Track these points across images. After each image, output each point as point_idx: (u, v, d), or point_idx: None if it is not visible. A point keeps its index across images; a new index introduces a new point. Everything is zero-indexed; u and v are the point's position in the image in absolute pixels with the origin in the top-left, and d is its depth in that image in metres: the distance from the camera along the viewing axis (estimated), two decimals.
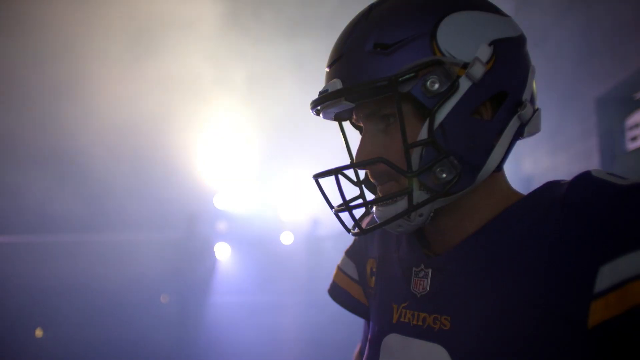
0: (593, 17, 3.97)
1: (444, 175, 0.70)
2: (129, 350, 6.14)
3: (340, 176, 0.79)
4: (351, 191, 0.85)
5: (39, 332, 5.61)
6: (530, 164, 5.86)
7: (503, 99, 0.72)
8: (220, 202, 7.76)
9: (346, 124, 0.87)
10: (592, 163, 3.97)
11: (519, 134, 0.75)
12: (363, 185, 0.84)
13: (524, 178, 6.07)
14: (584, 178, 0.68)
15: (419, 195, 0.72)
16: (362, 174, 0.85)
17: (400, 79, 0.68)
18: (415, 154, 0.71)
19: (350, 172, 0.83)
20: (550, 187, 0.72)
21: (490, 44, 0.71)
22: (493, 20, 0.74)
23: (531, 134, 0.77)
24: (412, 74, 0.68)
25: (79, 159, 6.42)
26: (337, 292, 1.03)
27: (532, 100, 0.76)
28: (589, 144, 4.07)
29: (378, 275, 0.91)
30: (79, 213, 6.63)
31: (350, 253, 1.03)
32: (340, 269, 1.04)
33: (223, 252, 7.76)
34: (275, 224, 8.08)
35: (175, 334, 6.71)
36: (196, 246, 6.87)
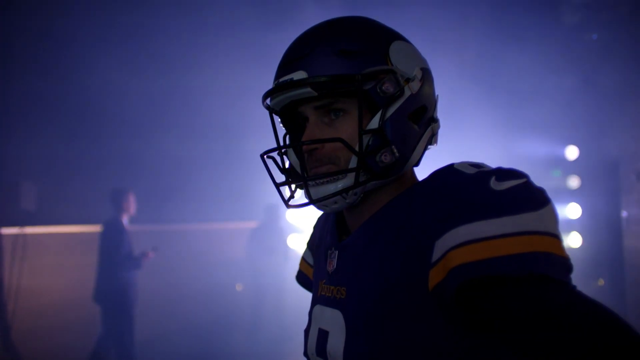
0: None
1: (387, 159, 0.85)
2: (206, 335, 6.46)
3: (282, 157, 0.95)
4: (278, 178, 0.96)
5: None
6: (616, 150, 5.42)
7: (423, 113, 0.91)
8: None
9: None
10: None
11: (429, 142, 0.94)
12: (288, 173, 0.98)
13: (610, 162, 5.63)
14: (443, 169, 0.87)
15: (360, 175, 0.86)
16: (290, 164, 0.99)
17: (365, 78, 0.84)
18: (364, 140, 0.85)
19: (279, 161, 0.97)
20: (427, 179, 0.89)
21: (420, 69, 0.91)
22: (419, 54, 0.95)
23: (434, 143, 0.97)
24: (373, 76, 0.84)
25: (182, 161, 6.86)
26: (300, 276, 1.23)
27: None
28: None
29: (315, 259, 1.10)
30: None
31: (308, 243, 1.21)
32: (303, 257, 1.23)
33: (296, 243, 7.92)
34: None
35: (249, 322, 6.97)
36: (271, 236, 7.07)
